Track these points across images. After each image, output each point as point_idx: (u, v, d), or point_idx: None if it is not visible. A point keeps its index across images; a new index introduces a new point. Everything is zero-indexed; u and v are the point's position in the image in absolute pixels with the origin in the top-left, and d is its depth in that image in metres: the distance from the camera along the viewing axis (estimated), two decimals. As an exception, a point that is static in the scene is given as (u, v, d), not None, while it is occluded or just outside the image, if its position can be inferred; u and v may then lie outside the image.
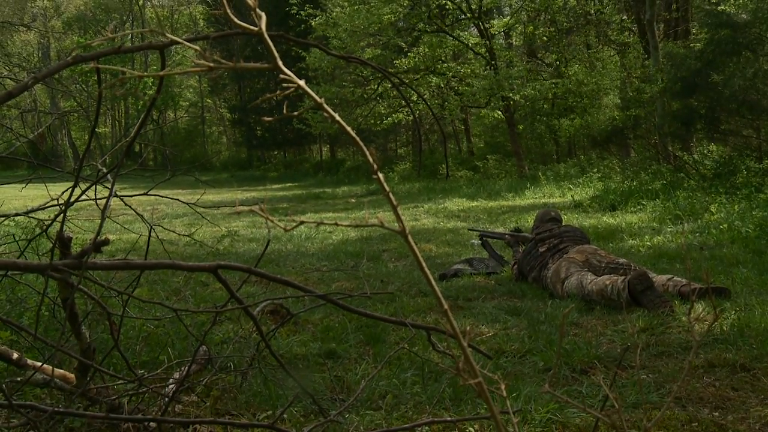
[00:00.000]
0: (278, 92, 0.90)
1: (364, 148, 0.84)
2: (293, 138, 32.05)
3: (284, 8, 21.72)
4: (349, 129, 0.86)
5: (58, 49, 38.83)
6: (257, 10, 0.88)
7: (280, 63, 0.85)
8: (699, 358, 3.23)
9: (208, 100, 41.24)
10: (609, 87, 18.55)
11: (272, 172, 30.62)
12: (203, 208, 3.40)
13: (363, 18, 17.91)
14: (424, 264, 0.86)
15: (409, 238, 0.84)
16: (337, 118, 0.85)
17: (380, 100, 20.59)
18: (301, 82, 0.85)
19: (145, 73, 0.93)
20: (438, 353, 3.24)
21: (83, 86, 35.71)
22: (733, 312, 3.89)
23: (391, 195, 0.83)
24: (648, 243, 6.65)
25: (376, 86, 20.09)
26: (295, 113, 0.94)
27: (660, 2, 17.07)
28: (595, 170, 14.62)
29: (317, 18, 19.71)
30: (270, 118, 0.91)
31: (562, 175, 15.67)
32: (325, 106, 0.84)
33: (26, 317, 3.53)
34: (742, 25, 9.89)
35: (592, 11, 19.62)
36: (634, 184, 11.26)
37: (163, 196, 3.42)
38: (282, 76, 0.84)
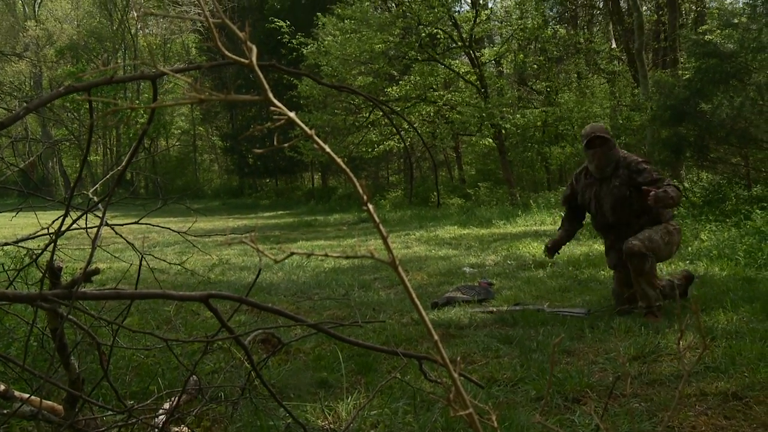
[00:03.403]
0: (269, 124, 0.91)
1: (354, 180, 0.85)
2: (285, 166, 32.09)
3: (276, 37, 21.85)
4: (339, 160, 0.87)
5: (50, 77, 38.90)
6: (248, 42, 0.89)
7: (271, 95, 0.86)
8: (691, 386, 3.23)
9: (200, 128, 41.30)
10: (599, 115, 18.70)
11: (264, 200, 30.60)
12: (194, 237, 3.39)
13: (354, 46, 18.03)
14: (413, 294, 0.86)
15: (399, 269, 0.84)
16: (327, 149, 0.86)
17: (372, 128, 20.67)
18: (292, 114, 0.86)
19: (137, 105, 0.93)
20: (430, 382, 3.22)
21: (75, 114, 35.76)
22: (724, 340, 3.89)
23: (381, 226, 0.83)
24: (639, 270, 6.65)
25: (367, 114, 20.19)
26: (286, 144, 0.94)
27: (648, 32, 17.27)
28: (586, 198, 14.64)
29: (309, 46, 19.83)
30: (261, 150, 0.91)
31: (553, 202, 15.70)
32: (315, 138, 0.85)
33: (14, 348, 3.50)
34: (728, 55, 10.01)
35: (582, 41, 19.82)
36: (625, 211, 11.29)
37: (154, 225, 3.41)
38: (272, 108, 0.85)
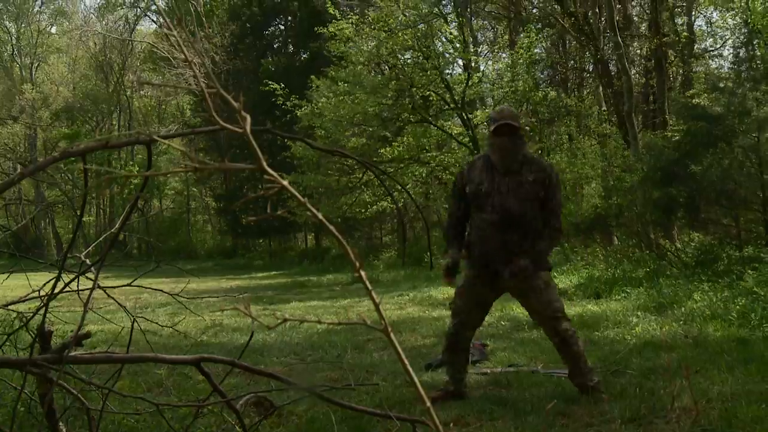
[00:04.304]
0: (262, 192, 0.92)
1: (347, 247, 0.86)
2: (278, 226, 32.06)
3: (270, 99, 22.11)
4: (332, 228, 0.88)
5: (44, 139, 39.08)
6: (242, 112, 0.91)
7: (265, 164, 0.88)
8: (687, 449, 3.19)
9: (193, 189, 41.38)
10: (591, 176, 18.84)
11: (257, 261, 30.50)
12: (187, 298, 3.38)
13: (348, 108, 18.24)
14: (405, 361, 0.87)
15: (392, 335, 0.85)
16: (320, 217, 0.87)
17: (365, 189, 20.76)
18: (285, 183, 0.88)
19: (131, 173, 0.95)
20: (423, 447, 3.18)
21: (69, 176, 35.84)
22: (720, 402, 3.86)
23: (373, 293, 0.84)
24: (633, 331, 6.64)
25: (361, 175, 20.31)
26: (279, 212, 0.96)
27: (637, 95, 17.58)
28: (580, 258, 14.66)
29: (303, 108, 20.05)
30: (254, 219, 0.93)
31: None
32: (309, 206, 0.86)
33: (0, 414, 3.45)
34: (716, 118, 10.17)
35: (572, 103, 20.10)
36: (618, 272, 11.30)
37: (146, 287, 3.41)
38: (266, 176, 0.87)
